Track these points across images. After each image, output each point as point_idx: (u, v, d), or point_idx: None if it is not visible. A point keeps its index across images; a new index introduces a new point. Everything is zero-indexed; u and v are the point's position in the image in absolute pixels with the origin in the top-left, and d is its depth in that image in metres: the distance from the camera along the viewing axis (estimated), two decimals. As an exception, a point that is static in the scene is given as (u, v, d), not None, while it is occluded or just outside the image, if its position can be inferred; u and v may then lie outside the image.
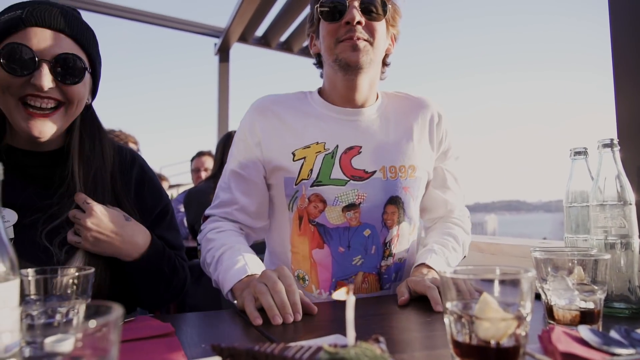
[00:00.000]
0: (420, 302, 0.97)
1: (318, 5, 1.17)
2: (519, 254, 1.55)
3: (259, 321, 0.84)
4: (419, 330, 0.78)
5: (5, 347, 0.39)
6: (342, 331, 0.70)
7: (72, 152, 1.02)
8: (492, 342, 0.50)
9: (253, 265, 1.04)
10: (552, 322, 0.73)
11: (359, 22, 1.12)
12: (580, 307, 0.70)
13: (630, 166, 1.08)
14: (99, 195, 1.02)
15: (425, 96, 1.31)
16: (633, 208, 0.89)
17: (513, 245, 1.58)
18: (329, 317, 0.90)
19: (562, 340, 0.58)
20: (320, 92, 1.28)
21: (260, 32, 4.30)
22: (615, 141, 0.92)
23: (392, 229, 1.20)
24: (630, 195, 0.89)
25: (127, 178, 1.12)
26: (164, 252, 1.10)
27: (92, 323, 0.36)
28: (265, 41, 4.43)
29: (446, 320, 0.55)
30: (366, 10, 1.13)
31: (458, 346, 0.53)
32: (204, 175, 3.81)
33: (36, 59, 0.88)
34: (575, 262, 0.72)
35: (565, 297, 0.71)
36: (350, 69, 1.14)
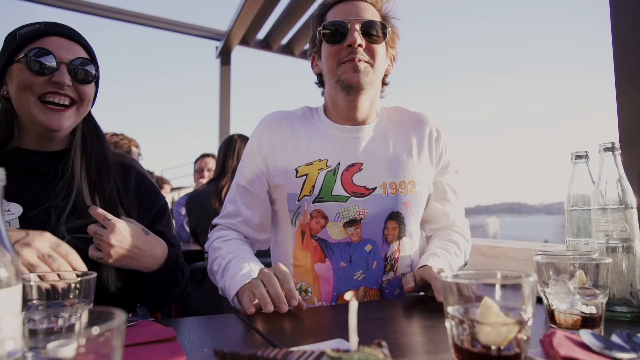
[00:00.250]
0: (423, 306, 0.97)
1: (321, 28, 1.21)
2: (520, 257, 1.55)
3: (252, 309, 0.92)
4: (421, 334, 0.78)
5: (8, 353, 0.39)
6: (345, 336, 0.70)
7: (74, 148, 1.11)
8: (494, 347, 0.50)
9: (257, 271, 1.06)
10: (553, 326, 0.73)
11: (360, 45, 1.16)
12: (581, 311, 0.70)
13: (631, 170, 1.08)
14: (105, 189, 1.08)
15: (424, 112, 1.34)
16: (634, 212, 0.89)
17: (514, 249, 1.58)
18: (331, 322, 0.90)
19: (563, 345, 0.58)
20: (324, 109, 1.31)
21: (261, 35, 4.31)
22: (617, 145, 0.92)
23: (392, 244, 1.23)
24: (632, 199, 0.89)
25: (127, 179, 1.18)
26: (177, 260, 1.15)
27: (95, 329, 0.36)
28: (266, 44, 4.43)
29: (447, 324, 0.55)
30: (367, 34, 1.18)
31: (459, 350, 0.53)
32: (206, 175, 3.81)
33: (57, 61, 1.02)
34: (577, 265, 0.72)
35: (567, 301, 0.71)
36: (351, 89, 1.18)
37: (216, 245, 1.24)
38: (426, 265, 1.14)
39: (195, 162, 4.03)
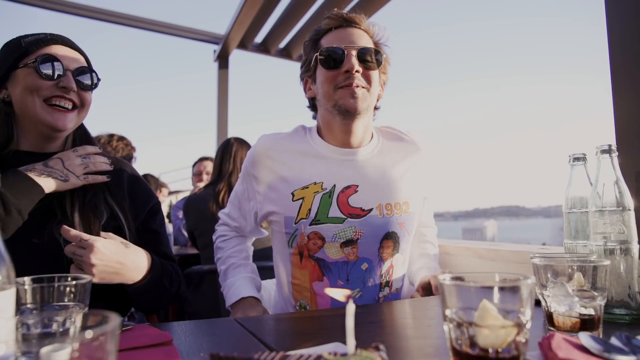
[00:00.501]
0: (420, 309, 0.97)
1: (317, 53, 1.23)
2: (518, 260, 1.55)
3: None
4: (419, 337, 0.78)
5: (1, 358, 0.38)
6: (342, 339, 0.70)
7: (66, 150, 1.16)
8: (492, 350, 0.50)
9: (245, 289, 1.28)
10: (552, 328, 0.73)
11: (357, 71, 1.19)
12: (580, 314, 0.70)
13: (628, 172, 1.08)
14: (87, 193, 1.10)
15: (416, 134, 1.37)
16: (632, 214, 0.89)
17: (513, 252, 1.58)
18: (328, 325, 0.89)
19: (562, 347, 0.58)
20: (318, 130, 1.33)
21: (259, 38, 4.32)
22: (614, 147, 0.92)
23: (387, 262, 1.26)
24: (629, 201, 0.89)
25: (119, 180, 1.21)
26: (163, 267, 1.15)
27: (89, 333, 0.35)
28: (264, 47, 4.44)
29: (445, 327, 0.55)
30: (363, 59, 1.20)
31: (458, 354, 0.53)
32: (205, 178, 3.81)
33: (63, 68, 1.10)
34: (575, 268, 0.72)
35: (565, 304, 0.71)
36: (348, 114, 1.20)
37: (218, 245, 1.43)
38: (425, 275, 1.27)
39: (194, 165, 4.03)
